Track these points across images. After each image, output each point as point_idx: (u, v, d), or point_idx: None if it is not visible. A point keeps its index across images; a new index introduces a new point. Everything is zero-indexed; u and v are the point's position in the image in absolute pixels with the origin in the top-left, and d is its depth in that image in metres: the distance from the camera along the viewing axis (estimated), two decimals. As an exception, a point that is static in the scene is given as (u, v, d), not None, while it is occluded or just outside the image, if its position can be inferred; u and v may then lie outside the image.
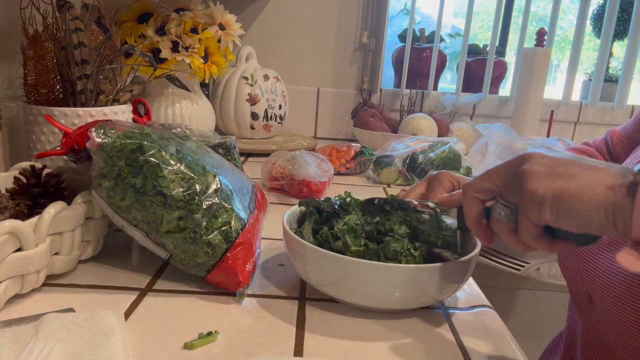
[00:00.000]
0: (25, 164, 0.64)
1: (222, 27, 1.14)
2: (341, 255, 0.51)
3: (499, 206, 0.44)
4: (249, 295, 0.57)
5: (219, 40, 1.13)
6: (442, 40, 1.67)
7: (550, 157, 0.41)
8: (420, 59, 1.64)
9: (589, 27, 1.76)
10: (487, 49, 1.66)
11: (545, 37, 1.50)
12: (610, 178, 0.38)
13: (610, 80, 1.73)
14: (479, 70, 1.66)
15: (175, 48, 1.06)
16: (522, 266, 1.18)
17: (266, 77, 1.35)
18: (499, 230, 0.45)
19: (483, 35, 2.58)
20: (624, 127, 0.80)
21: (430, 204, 0.57)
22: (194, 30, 1.09)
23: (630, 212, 0.36)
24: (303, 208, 0.62)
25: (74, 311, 0.50)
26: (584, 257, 0.57)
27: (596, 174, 0.39)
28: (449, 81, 2.08)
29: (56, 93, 0.83)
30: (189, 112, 1.16)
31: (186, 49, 1.07)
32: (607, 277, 0.53)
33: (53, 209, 0.52)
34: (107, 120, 0.57)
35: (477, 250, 0.54)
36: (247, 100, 1.32)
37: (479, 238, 0.48)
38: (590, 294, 0.56)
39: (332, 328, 0.51)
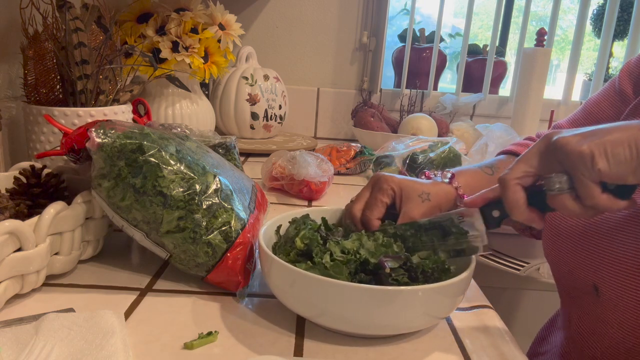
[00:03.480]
0: (25, 164, 0.64)
1: (222, 27, 1.14)
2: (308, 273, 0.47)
3: (554, 179, 0.44)
4: (249, 295, 0.57)
5: (219, 40, 1.13)
6: (442, 40, 1.67)
7: (571, 130, 0.43)
8: (420, 59, 1.64)
9: (589, 27, 1.76)
10: (487, 49, 1.66)
11: (545, 37, 1.50)
12: (636, 124, 0.41)
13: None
14: (479, 70, 1.66)
15: (175, 48, 1.06)
16: (522, 266, 1.18)
17: (266, 77, 1.35)
18: (561, 205, 0.44)
19: (483, 35, 2.58)
20: (573, 119, 0.79)
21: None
22: (194, 30, 1.09)
23: None
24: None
25: (74, 311, 0.50)
26: (590, 246, 0.57)
27: (625, 126, 0.41)
28: (449, 81, 2.08)
29: (56, 93, 0.83)
30: (189, 112, 1.16)
31: (186, 49, 1.07)
32: (615, 265, 0.53)
33: (53, 209, 0.52)
34: (107, 120, 0.57)
35: (473, 264, 0.52)
36: (247, 100, 1.32)
37: (531, 223, 0.47)
38: (596, 283, 0.56)
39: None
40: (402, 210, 0.59)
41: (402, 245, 0.54)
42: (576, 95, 1.73)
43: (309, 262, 0.51)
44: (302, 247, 0.53)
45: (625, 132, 0.41)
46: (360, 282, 0.49)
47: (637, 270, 0.51)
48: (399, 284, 0.48)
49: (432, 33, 1.64)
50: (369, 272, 0.50)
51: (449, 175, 0.65)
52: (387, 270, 0.49)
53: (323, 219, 0.61)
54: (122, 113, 0.84)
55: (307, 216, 0.61)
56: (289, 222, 0.59)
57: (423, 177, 0.67)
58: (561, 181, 0.44)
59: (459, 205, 0.63)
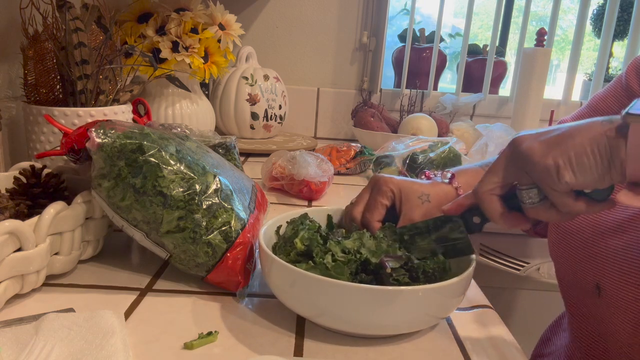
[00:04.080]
0: (25, 164, 0.64)
1: (222, 27, 1.14)
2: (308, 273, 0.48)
3: (524, 193, 0.44)
4: (249, 295, 0.57)
5: (219, 40, 1.13)
6: (442, 40, 1.67)
7: (536, 132, 0.43)
8: (420, 59, 1.64)
9: (589, 27, 1.76)
10: (487, 49, 1.66)
11: (545, 37, 1.50)
12: (601, 126, 0.40)
13: (610, 80, 1.72)
14: (479, 70, 1.66)
15: (175, 48, 1.06)
16: (522, 266, 1.18)
17: (266, 77, 1.35)
18: (537, 215, 0.45)
19: (483, 35, 2.58)
20: (577, 116, 0.79)
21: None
22: (194, 30, 1.09)
23: (624, 153, 0.38)
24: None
25: (74, 311, 0.50)
26: (593, 244, 0.57)
27: (587, 127, 0.41)
28: (449, 81, 2.08)
29: (56, 93, 0.83)
30: (189, 112, 1.16)
31: (186, 49, 1.07)
32: (617, 263, 0.53)
33: (53, 209, 0.52)
34: (107, 120, 0.57)
35: (473, 265, 0.52)
36: (247, 100, 1.32)
37: (517, 227, 0.48)
38: (599, 282, 0.56)
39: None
40: (402, 212, 0.59)
41: (403, 248, 0.54)
42: (576, 95, 1.73)
43: (310, 262, 0.51)
44: (302, 249, 0.53)
45: (587, 134, 0.40)
46: (361, 282, 0.49)
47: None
48: (400, 284, 0.48)
49: (432, 33, 1.64)
50: (370, 272, 0.50)
51: (449, 175, 0.65)
52: (388, 271, 0.49)
53: (329, 216, 0.61)
54: (122, 113, 0.84)
55: (305, 216, 0.61)
56: (287, 222, 0.59)
57: (423, 177, 0.67)
58: (531, 195, 0.44)
59: None
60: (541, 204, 0.44)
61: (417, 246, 0.54)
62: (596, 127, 0.40)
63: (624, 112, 0.39)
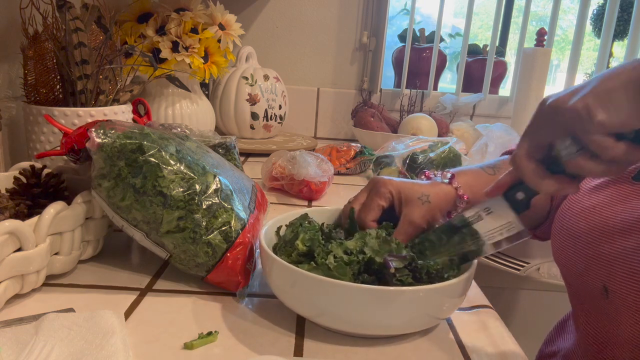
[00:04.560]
0: (25, 164, 0.64)
1: (222, 27, 1.14)
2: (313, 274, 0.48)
3: (559, 147, 0.42)
4: (249, 295, 0.57)
5: (219, 40, 1.13)
6: (442, 40, 1.67)
7: (562, 91, 0.42)
8: (420, 59, 1.64)
9: (589, 27, 1.76)
10: (487, 49, 1.66)
11: (545, 37, 1.50)
12: (631, 67, 0.38)
13: (610, 80, 1.72)
14: (479, 70, 1.66)
15: (175, 48, 1.06)
16: (522, 266, 1.18)
17: (266, 77, 1.35)
18: (579, 169, 0.42)
19: (483, 35, 2.58)
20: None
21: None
22: (194, 30, 1.09)
23: None
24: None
25: (74, 311, 0.50)
26: (600, 245, 0.56)
27: (613, 72, 0.39)
28: (449, 81, 2.08)
29: (56, 93, 0.83)
30: (189, 112, 1.16)
31: (186, 49, 1.07)
32: (626, 265, 0.52)
33: (53, 209, 0.52)
34: (107, 120, 0.57)
35: (474, 265, 0.52)
36: (247, 100, 1.32)
37: (564, 191, 0.45)
38: (606, 284, 0.55)
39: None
40: (402, 213, 0.59)
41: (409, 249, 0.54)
42: (576, 95, 1.72)
43: (312, 262, 0.51)
44: (304, 250, 0.53)
45: (618, 77, 0.38)
46: (364, 282, 0.49)
47: None
48: (403, 284, 0.48)
49: (432, 33, 1.64)
50: (373, 272, 0.50)
51: (448, 175, 0.65)
52: (392, 270, 0.48)
53: (321, 225, 0.61)
54: (122, 113, 0.84)
55: (305, 216, 0.60)
56: (286, 225, 0.59)
57: (423, 177, 0.66)
58: (566, 146, 0.42)
59: (460, 206, 0.63)
60: (580, 155, 0.41)
61: (427, 258, 0.54)
62: (626, 68, 0.39)
63: None
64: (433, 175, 0.66)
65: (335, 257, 0.51)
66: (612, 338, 0.57)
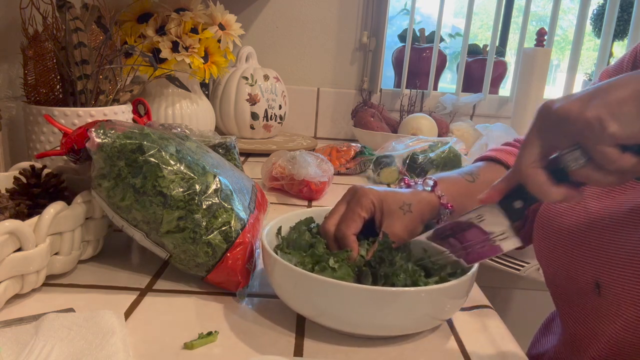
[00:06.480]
0: (25, 164, 0.64)
1: (222, 27, 1.14)
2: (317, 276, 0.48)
3: (567, 157, 0.41)
4: (249, 295, 0.57)
5: (219, 40, 1.13)
6: (442, 40, 1.67)
7: (567, 97, 0.41)
8: (420, 59, 1.64)
9: (589, 27, 1.76)
10: (487, 49, 1.66)
11: (545, 37, 1.50)
12: (634, 75, 0.38)
13: (610, 80, 1.72)
14: (479, 70, 1.66)
15: (175, 48, 1.06)
16: (522, 266, 1.18)
17: (266, 77, 1.35)
18: (587, 178, 0.41)
19: (483, 35, 2.58)
20: (587, 93, 0.79)
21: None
22: (194, 30, 1.09)
23: None
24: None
25: (74, 311, 0.50)
26: (592, 242, 0.56)
27: (626, 81, 0.39)
28: (449, 81, 2.08)
29: (56, 93, 0.83)
30: (189, 112, 1.16)
31: (186, 49, 1.07)
32: (619, 261, 0.52)
33: (53, 209, 0.52)
34: (107, 121, 0.57)
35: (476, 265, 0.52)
36: (247, 100, 1.32)
37: (569, 200, 0.44)
38: (598, 281, 0.55)
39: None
40: (383, 224, 0.57)
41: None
42: (576, 95, 1.72)
43: (314, 264, 0.51)
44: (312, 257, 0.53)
45: (627, 87, 0.38)
46: (362, 274, 0.50)
47: None
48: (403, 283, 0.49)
49: (432, 33, 1.64)
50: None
51: (430, 183, 0.62)
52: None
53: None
54: (122, 113, 0.84)
55: (310, 219, 0.61)
56: (291, 227, 0.59)
57: (403, 184, 0.64)
58: (576, 157, 0.41)
59: (442, 215, 0.61)
60: (589, 165, 0.40)
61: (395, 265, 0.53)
62: (635, 77, 0.38)
63: None
64: (414, 183, 0.64)
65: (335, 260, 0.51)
66: (599, 336, 0.56)
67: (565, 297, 0.63)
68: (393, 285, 0.48)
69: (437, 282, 0.49)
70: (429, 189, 0.62)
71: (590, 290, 0.56)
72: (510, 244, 0.48)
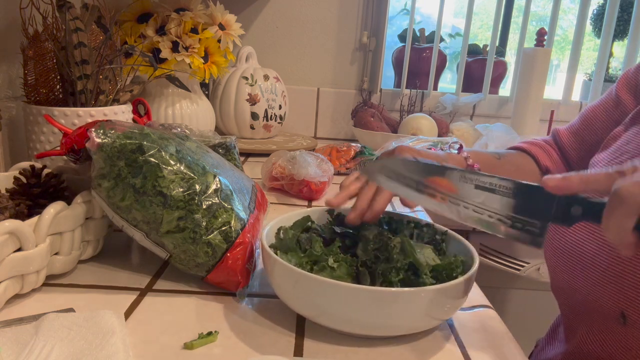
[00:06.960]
0: (25, 164, 0.64)
1: (222, 27, 1.14)
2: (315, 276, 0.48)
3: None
4: (249, 295, 0.57)
5: (219, 40, 1.13)
6: (442, 40, 1.67)
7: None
8: (420, 59, 1.64)
9: (589, 27, 1.76)
10: (487, 49, 1.66)
11: (545, 37, 1.50)
12: None
13: (610, 80, 1.73)
14: (479, 70, 1.66)
15: (175, 48, 1.06)
16: (522, 266, 1.18)
17: (266, 77, 1.35)
18: None
19: (483, 35, 2.58)
20: (571, 126, 0.84)
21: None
22: (194, 30, 1.09)
23: None
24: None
25: (74, 311, 0.50)
26: (618, 271, 0.54)
27: None
28: (449, 81, 2.08)
29: (56, 93, 0.83)
30: (189, 112, 1.16)
31: (186, 49, 1.07)
32: None
33: (53, 209, 0.52)
34: (107, 121, 0.57)
35: (476, 263, 0.52)
36: (247, 100, 1.32)
37: (625, 248, 0.39)
38: (624, 311, 0.53)
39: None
40: None
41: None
42: (576, 95, 1.73)
43: (313, 263, 0.51)
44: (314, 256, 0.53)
45: None
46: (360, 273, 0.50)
47: None
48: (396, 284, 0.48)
49: (432, 33, 1.64)
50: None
51: (456, 146, 0.71)
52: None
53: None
54: (122, 113, 0.84)
55: (307, 218, 0.61)
56: (290, 227, 0.59)
57: (437, 149, 0.72)
58: None
59: None
60: None
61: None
62: None
63: None
64: (446, 148, 0.72)
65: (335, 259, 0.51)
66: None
67: (588, 322, 0.61)
68: (390, 282, 0.48)
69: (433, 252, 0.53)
70: (456, 151, 0.72)
71: (615, 318, 0.55)
72: (505, 232, 0.44)
